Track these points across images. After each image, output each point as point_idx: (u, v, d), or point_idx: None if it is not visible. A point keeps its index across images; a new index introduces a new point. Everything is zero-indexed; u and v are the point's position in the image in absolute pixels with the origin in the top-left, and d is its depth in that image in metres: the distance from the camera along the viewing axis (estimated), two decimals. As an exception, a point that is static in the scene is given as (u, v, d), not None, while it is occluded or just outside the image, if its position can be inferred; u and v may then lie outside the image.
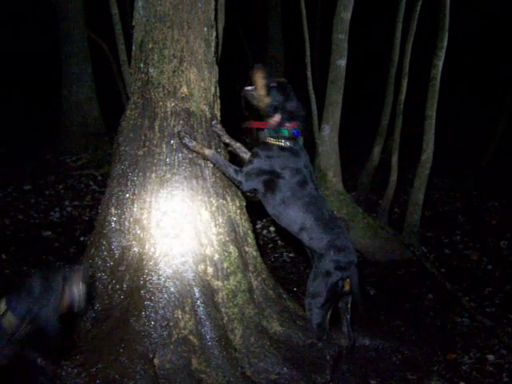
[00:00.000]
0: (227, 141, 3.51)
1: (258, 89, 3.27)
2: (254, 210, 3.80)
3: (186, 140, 3.23)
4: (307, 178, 3.26)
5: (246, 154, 3.48)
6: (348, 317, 3.43)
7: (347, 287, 3.24)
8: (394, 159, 6.04)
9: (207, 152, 3.26)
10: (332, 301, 3.27)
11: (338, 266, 3.17)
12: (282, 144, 3.22)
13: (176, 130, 3.28)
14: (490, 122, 9.25)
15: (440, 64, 5.31)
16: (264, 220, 6.17)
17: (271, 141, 3.25)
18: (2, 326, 2.51)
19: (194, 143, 3.24)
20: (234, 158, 3.58)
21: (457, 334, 3.96)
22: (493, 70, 10.84)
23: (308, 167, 3.32)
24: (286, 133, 3.22)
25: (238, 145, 3.54)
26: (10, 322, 2.53)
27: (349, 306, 3.41)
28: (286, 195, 3.22)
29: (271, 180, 3.22)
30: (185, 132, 3.25)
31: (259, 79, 3.26)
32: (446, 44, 5.27)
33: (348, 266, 3.21)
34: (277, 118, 3.22)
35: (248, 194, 3.54)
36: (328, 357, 3.25)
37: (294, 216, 3.24)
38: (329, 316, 3.31)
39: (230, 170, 3.27)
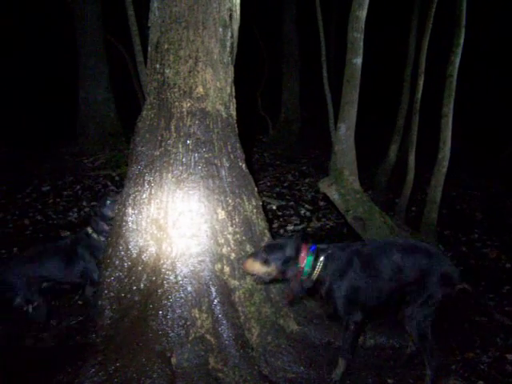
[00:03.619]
0: None
1: (259, 271, 3.12)
2: (271, 209, 3.79)
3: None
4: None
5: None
6: None
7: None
8: (411, 157, 6.01)
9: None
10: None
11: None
12: (321, 265, 3.15)
13: None
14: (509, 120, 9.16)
15: (457, 61, 5.27)
16: (281, 219, 6.17)
17: (311, 271, 3.16)
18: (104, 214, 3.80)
19: None
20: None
21: (475, 333, 3.93)
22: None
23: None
24: (309, 260, 3.14)
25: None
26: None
27: None
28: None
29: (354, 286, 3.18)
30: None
31: (254, 266, 3.11)
32: (462, 41, 5.23)
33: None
34: (291, 271, 3.14)
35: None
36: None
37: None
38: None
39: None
